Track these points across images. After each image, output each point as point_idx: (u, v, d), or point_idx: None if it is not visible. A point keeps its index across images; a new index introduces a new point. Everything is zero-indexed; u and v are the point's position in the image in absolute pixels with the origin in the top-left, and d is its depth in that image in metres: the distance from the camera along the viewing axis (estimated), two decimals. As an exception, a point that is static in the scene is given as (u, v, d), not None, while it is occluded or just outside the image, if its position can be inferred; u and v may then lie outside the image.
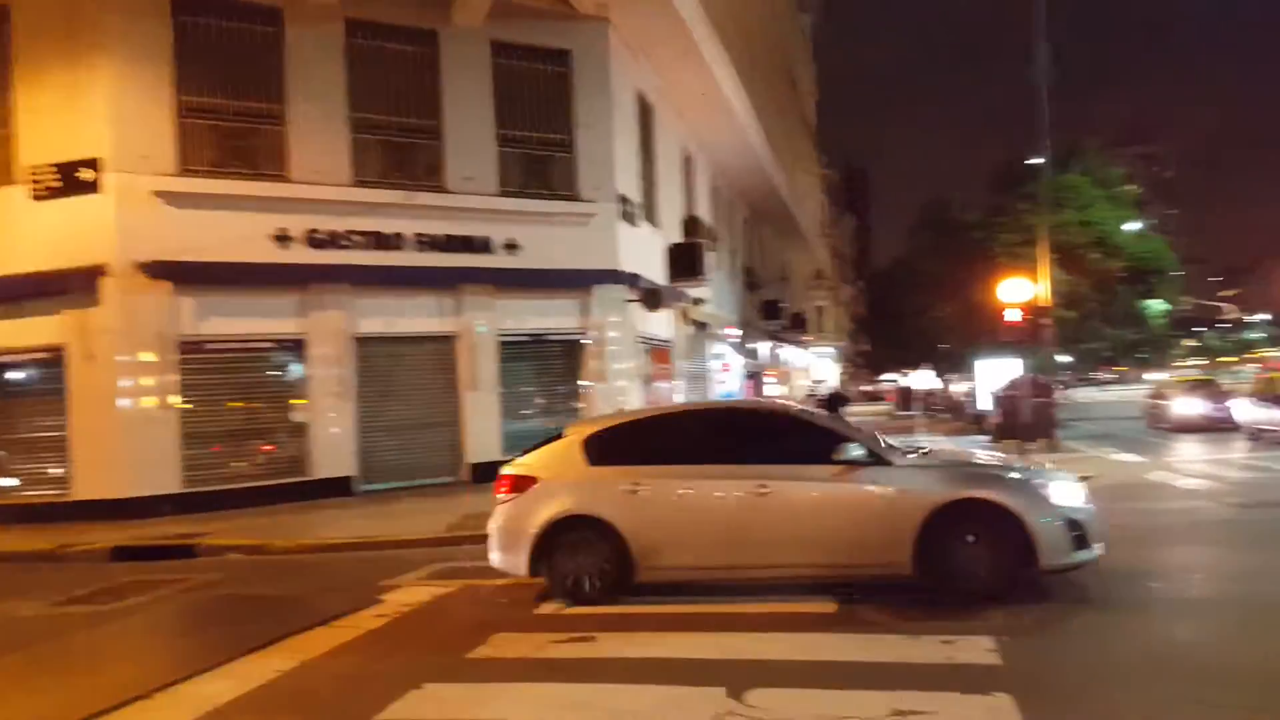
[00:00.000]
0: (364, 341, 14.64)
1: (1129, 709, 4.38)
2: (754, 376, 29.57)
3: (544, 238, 15.52)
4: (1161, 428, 24.91)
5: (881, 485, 6.55)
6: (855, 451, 6.65)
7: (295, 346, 14.27)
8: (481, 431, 15.39)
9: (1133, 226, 30.35)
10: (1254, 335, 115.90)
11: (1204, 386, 26.86)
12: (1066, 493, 6.60)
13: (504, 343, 15.59)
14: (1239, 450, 18.08)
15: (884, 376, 58.82)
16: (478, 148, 15.28)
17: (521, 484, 7.16)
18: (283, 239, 13.90)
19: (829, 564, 6.66)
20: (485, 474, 15.02)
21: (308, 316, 14.22)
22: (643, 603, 6.84)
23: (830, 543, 6.58)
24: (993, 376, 22.95)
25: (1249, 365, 50.34)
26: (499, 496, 7.26)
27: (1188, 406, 25.01)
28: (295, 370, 14.35)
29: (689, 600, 6.87)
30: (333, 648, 6.08)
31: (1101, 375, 79.44)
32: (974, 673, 4.89)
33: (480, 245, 15.16)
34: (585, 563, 6.84)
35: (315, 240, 14.10)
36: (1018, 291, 18.70)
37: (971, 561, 6.32)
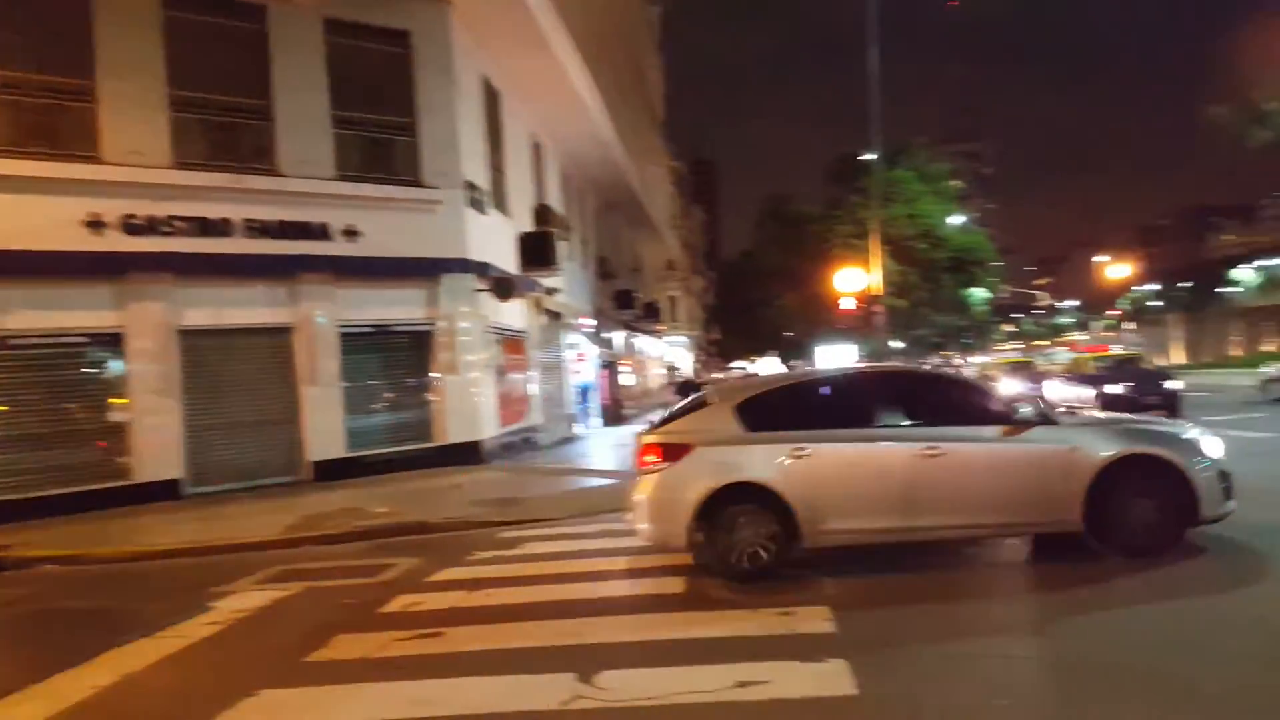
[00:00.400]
0: (190, 334, 13.69)
1: (949, 666, 4.69)
2: (609, 366, 29.78)
3: (387, 224, 14.99)
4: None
5: (1053, 444, 6.61)
6: (1027, 411, 6.81)
7: (113, 341, 13.17)
8: (323, 428, 14.74)
9: (956, 220, 32.56)
10: (1064, 320, 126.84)
11: (1021, 368, 29.26)
12: (1214, 445, 6.78)
13: (346, 334, 14.97)
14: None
15: (734, 364, 60.60)
16: (312, 130, 14.57)
17: (675, 452, 6.79)
18: (96, 225, 12.78)
19: (999, 523, 6.72)
20: (329, 472, 14.45)
21: (126, 308, 13.16)
22: (493, 594, 6.76)
23: (1002, 502, 6.59)
24: (832, 362, 24.09)
25: (1060, 348, 55.10)
26: (646, 465, 6.88)
27: (1007, 387, 27.14)
28: (114, 366, 13.26)
29: (542, 587, 6.85)
30: (158, 660, 5.67)
31: (932, 361, 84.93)
32: (812, 641, 5.11)
33: (317, 231, 14.47)
34: (751, 532, 6.59)
35: (132, 226, 13.04)
36: (852, 281, 19.71)
37: (1140, 516, 6.46)
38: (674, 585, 6.66)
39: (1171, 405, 19.48)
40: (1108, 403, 19.71)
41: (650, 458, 6.87)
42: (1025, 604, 5.97)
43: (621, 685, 4.56)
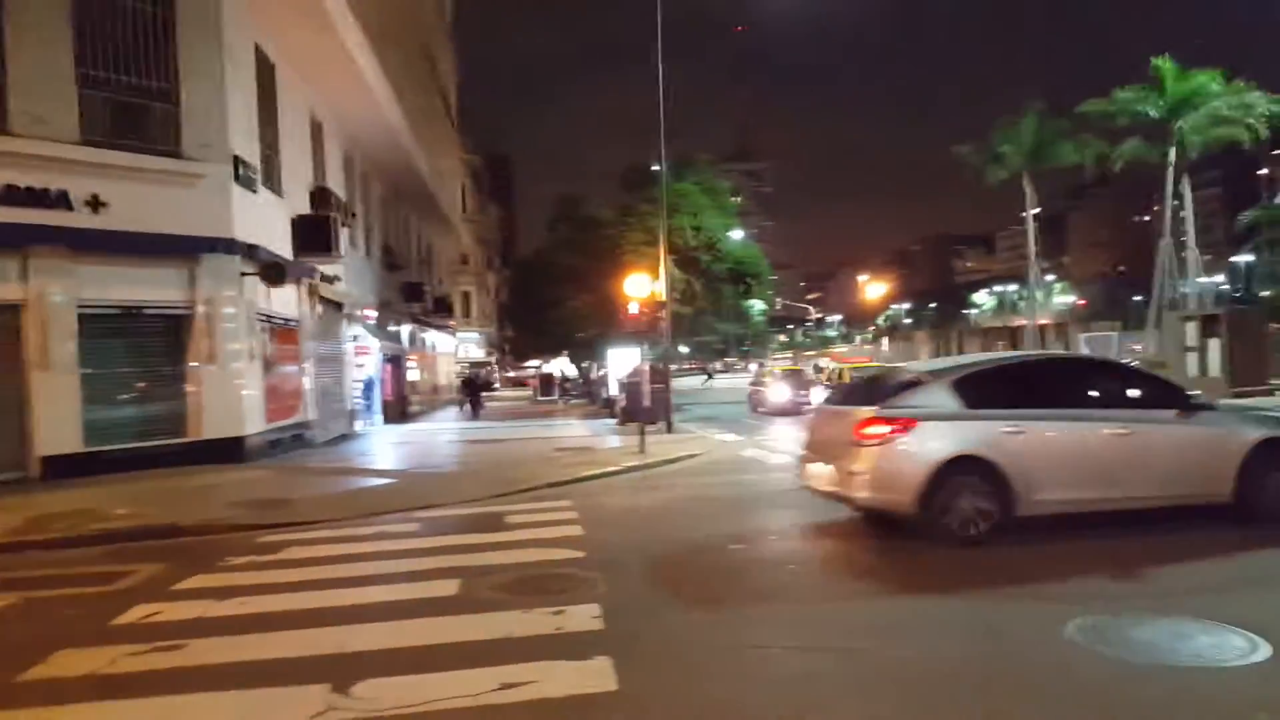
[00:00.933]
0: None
1: (710, 657, 4.90)
2: (394, 360, 28.70)
3: (140, 196, 13.58)
4: (760, 412, 28.55)
5: (1214, 427, 7.68)
6: (1196, 398, 7.79)
7: None
8: (57, 419, 13.13)
9: (736, 234, 34.28)
10: (831, 333, 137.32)
11: (792, 376, 31.30)
12: None
13: (87, 315, 13.41)
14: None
15: (528, 363, 60.37)
16: (52, 86, 12.93)
17: (902, 425, 7.21)
18: None
19: (1168, 495, 7.49)
20: (63, 469, 12.89)
21: None
22: (246, 603, 6.29)
23: (1173, 476, 7.47)
24: (621, 364, 24.61)
25: (825, 358, 59.57)
26: (871, 437, 7.24)
27: (779, 393, 28.95)
28: None
29: (304, 594, 6.46)
30: None
31: (715, 365, 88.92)
32: (580, 640, 5.15)
33: (55, 199, 12.87)
34: (971, 502, 7.04)
35: None
36: (640, 287, 20.20)
37: (1268, 490, 7.52)
38: (446, 588, 6.50)
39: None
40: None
41: (875, 429, 7.25)
42: (800, 596, 6.35)
43: (380, 694, 4.37)
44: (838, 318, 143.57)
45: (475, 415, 30.10)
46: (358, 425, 22.75)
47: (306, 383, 18.79)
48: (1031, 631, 5.12)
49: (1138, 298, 48.14)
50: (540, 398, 44.43)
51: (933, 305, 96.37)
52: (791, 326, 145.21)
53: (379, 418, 25.47)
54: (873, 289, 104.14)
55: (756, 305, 44.13)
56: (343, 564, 7.54)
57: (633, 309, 20.41)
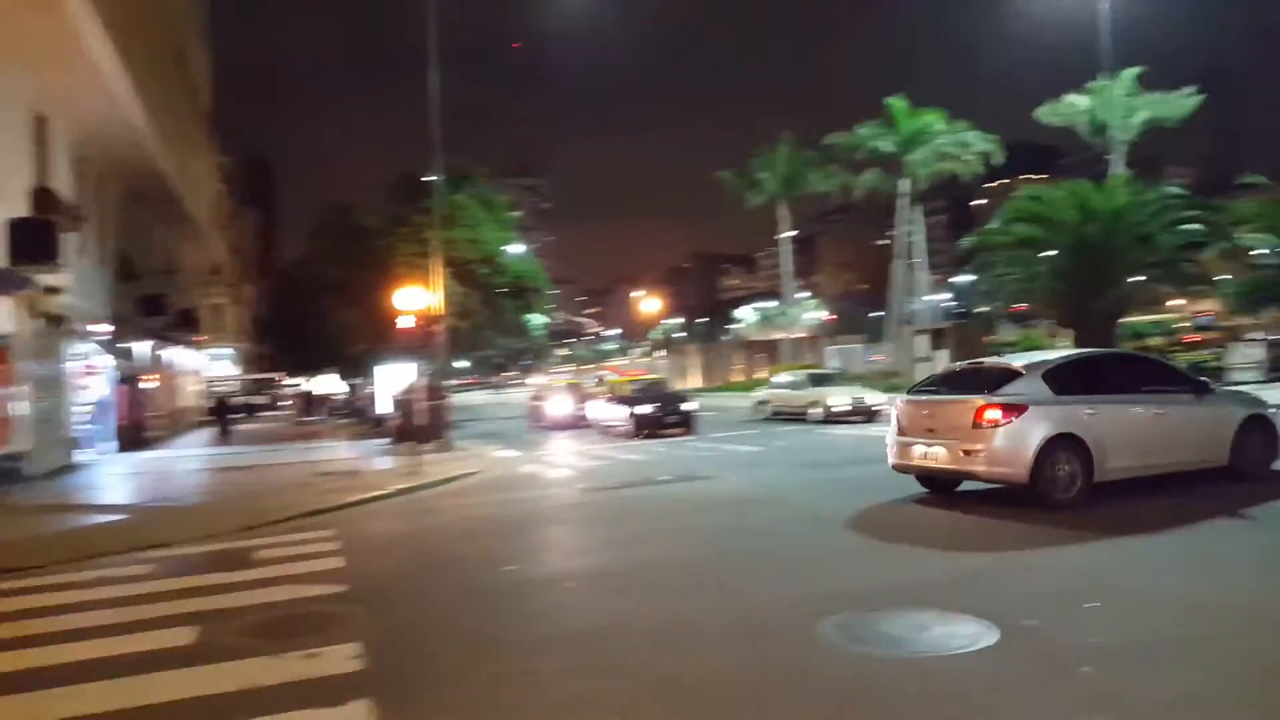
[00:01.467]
0: None
1: (481, 689, 4.68)
2: (130, 381, 25.75)
3: None
4: (540, 426, 28.45)
5: (1216, 406, 9.74)
6: (1203, 383, 9.92)
7: None
8: None
9: (516, 248, 34.10)
10: (610, 347, 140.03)
11: (571, 390, 31.50)
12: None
13: None
14: (593, 443, 21.46)
15: (290, 380, 56.55)
16: None
17: (1013, 410, 8.61)
18: None
19: (1185, 460, 9.39)
20: None
21: None
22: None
23: (1190, 445, 9.40)
24: (392, 381, 23.59)
25: (604, 372, 60.63)
26: (990, 422, 8.62)
27: (558, 408, 29.02)
28: None
29: (10, 653, 5.51)
30: None
31: (494, 380, 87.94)
32: (335, 684, 4.75)
33: None
34: (1068, 470, 8.56)
35: None
36: (413, 300, 19.47)
37: (1256, 453, 9.71)
38: (181, 637, 5.80)
39: (687, 424, 22.38)
40: (639, 422, 22.03)
41: (994, 414, 8.64)
42: (577, 615, 6.23)
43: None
44: (616, 332, 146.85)
45: (226, 439, 27.69)
46: (82, 455, 20.16)
47: (18, 408, 16.37)
48: (790, 629, 5.35)
49: (878, 313, 53.10)
50: (302, 418, 41.72)
51: (702, 319, 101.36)
52: (573, 340, 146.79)
53: (111, 445, 22.73)
54: (648, 304, 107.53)
55: (537, 319, 44.12)
56: (57, 616, 6.54)
57: (406, 323, 19.60)
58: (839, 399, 23.15)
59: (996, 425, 8.63)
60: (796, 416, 23.85)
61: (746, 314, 61.53)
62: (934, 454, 9.26)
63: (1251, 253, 28.03)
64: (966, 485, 9.79)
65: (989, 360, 11.28)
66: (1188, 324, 45.47)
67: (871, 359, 45.59)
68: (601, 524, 10.16)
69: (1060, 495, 8.54)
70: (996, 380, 9.18)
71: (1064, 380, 9.05)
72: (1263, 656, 4.61)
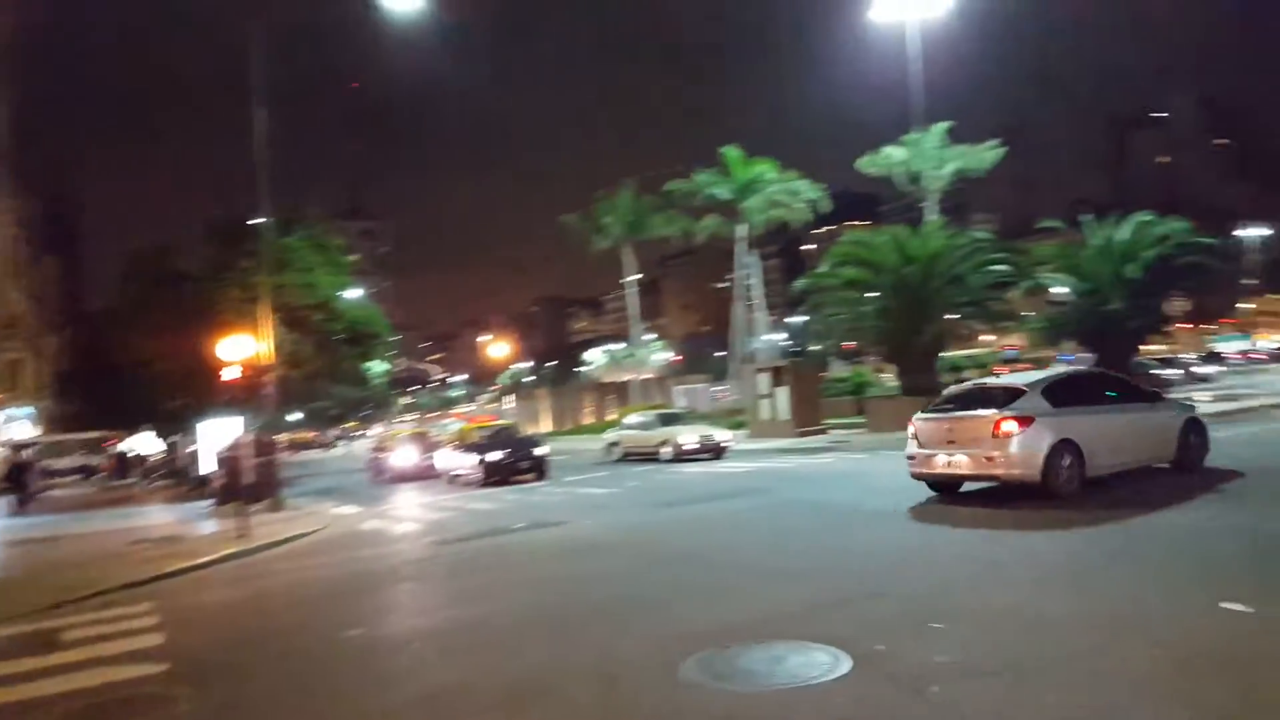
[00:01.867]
0: None
1: None
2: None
3: None
4: (383, 479, 27.23)
5: (1165, 412, 11.63)
6: (1155, 393, 12.21)
7: None
8: None
9: (353, 294, 32.81)
10: (456, 393, 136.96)
11: (416, 439, 30.41)
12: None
13: None
14: (441, 493, 20.71)
15: (99, 439, 51.70)
16: None
17: (1024, 422, 10.08)
18: None
19: (1147, 458, 11.17)
20: None
21: None
22: None
23: (1151, 445, 11.15)
24: (216, 437, 21.96)
25: (452, 419, 59.07)
26: (1006, 434, 10.08)
27: (402, 458, 27.90)
28: None
29: None
30: None
31: (333, 433, 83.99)
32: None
33: None
34: (1069, 469, 10.06)
35: None
36: (239, 349, 18.24)
37: (1193, 451, 11.48)
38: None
39: (539, 469, 22.03)
40: (490, 469, 21.48)
41: (1009, 426, 10.11)
42: (423, 677, 5.83)
43: None
44: (464, 378, 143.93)
45: (25, 508, 24.87)
46: None
47: None
48: (651, 674, 5.23)
49: (722, 353, 54.74)
50: (114, 481, 38.21)
51: (552, 363, 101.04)
52: (418, 388, 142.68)
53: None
54: (496, 349, 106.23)
55: (377, 367, 42.49)
56: None
57: (231, 373, 18.30)
58: (688, 437, 23.48)
59: (1011, 435, 10.15)
60: (648, 456, 23.99)
61: (596, 356, 61.86)
62: (957, 462, 10.72)
63: (1050, 291, 30.77)
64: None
65: (990, 380, 13.73)
66: (997, 357, 49.39)
67: (717, 397, 46.76)
68: (451, 578, 9.73)
69: (1065, 489, 10.07)
70: (1004, 398, 10.72)
71: (1058, 395, 10.70)
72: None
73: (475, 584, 9.00)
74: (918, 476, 11.52)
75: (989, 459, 10.33)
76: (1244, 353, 60.49)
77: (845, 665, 5.01)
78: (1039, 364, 35.58)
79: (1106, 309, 26.65)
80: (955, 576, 7.18)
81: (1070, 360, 29.92)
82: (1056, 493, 10.00)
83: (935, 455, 10.98)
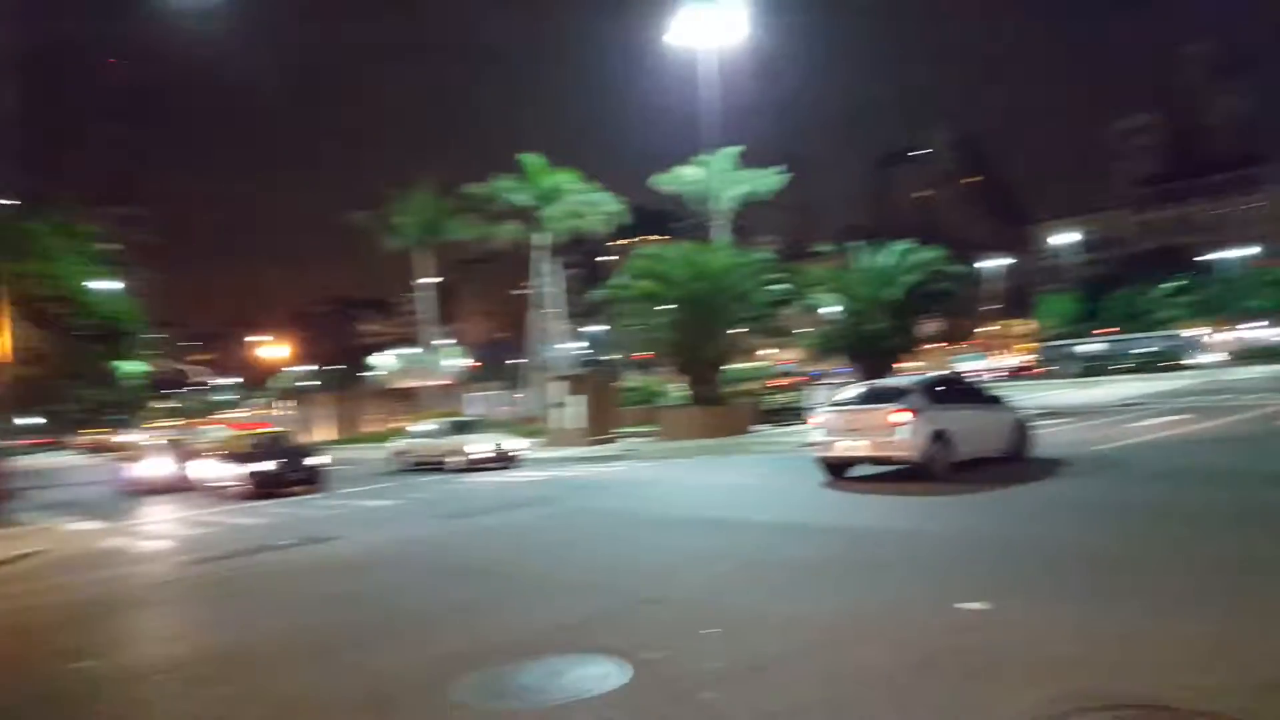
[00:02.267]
0: None
1: None
2: None
3: None
4: (133, 490, 24.58)
5: (1003, 412, 14.10)
6: (996, 397, 14.59)
7: None
8: None
9: (106, 285, 29.56)
10: (224, 397, 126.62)
11: (172, 447, 27.74)
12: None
13: None
14: (201, 507, 18.97)
15: None
16: None
17: (913, 414, 12.33)
18: None
19: (993, 449, 13.27)
20: None
21: None
22: None
23: (996, 438, 13.49)
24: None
25: (217, 425, 54.46)
26: (897, 422, 12.35)
27: (152, 467, 25.36)
28: None
29: None
30: None
31: (72, 439, 75.28)
32: None
33: None
34: (943, 452, 12.39)
35: None
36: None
37: (1024, 444, 14.01)
38: None
39: (315, 480, 20.71)
40: (259, 480, 19.92)
41: (899, 417, 12.30)
42: (172, 715, 5.22)
43: None
44: (232, 380, 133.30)
45: None
46: None
47: None
48: (424, 696, 4.98)
49: (518, 360, 54.32)
50: None
51: (337, 367, 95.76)
52: (181, 391, 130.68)
53: None
54: (272, 350, 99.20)
55: (132, 366, 38.47)
56: None
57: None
58: (480, 446, 23.00)
59: (901, 425, 12.30)
60: (437, 466, 23.24)
61: (386, 360, 59.30)
62: (856, 446, 12.88)
63: (821, 310, 33.07)
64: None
65: (885, 380, 15.94)
66: (774, 370, 52.45)
67: (511, 405, 46.33)
68: (202, 602, 8.89)
69: (939, 471, 12.19)
70: (895, 395, 13.03)
71: (934, 394, 13.10)
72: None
73: (229, 608, 8.28)
74: (820, 459, 13.60)
75: (883, 443, 12.53)
76: (980, 370, 68.02)
77: (621, 676, 5.01)
78: (816, 379, 38.07)
79: (869, 328, 28.94)
80: (731, 579, 7.42)
81: (848, 373, 32.25)
82: (933, 474, 12.15)
83: (840, 440, 13.12)
